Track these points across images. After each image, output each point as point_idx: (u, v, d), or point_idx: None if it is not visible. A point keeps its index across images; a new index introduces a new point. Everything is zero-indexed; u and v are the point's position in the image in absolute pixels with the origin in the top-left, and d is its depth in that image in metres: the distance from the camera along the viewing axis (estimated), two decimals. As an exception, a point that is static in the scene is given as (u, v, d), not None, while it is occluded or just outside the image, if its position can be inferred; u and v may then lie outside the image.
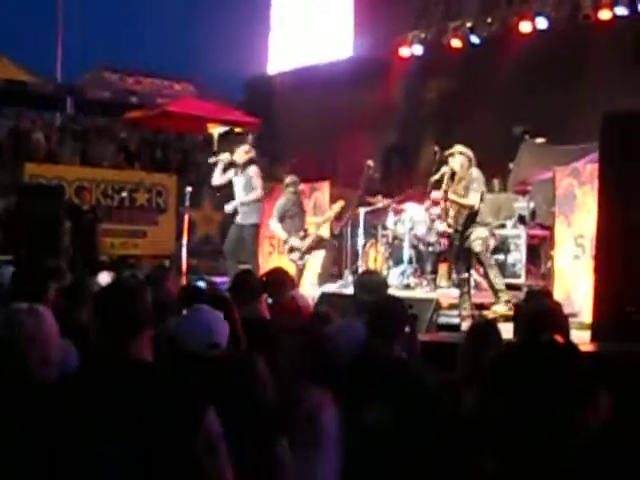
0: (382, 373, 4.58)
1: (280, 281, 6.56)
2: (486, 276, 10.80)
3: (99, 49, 34.28)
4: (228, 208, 12.95)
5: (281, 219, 12.93)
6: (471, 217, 10.52)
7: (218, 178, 12.94)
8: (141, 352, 3.30)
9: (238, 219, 12.89)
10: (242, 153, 12.87)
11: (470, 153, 10.77)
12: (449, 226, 10.84)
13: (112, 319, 3.31)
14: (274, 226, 13.02)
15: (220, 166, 12.85)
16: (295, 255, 12.82)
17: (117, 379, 3.18)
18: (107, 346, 3.28)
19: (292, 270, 12.23)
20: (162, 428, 3.11)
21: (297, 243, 12.76)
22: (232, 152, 13.03)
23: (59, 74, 26.78)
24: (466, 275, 10.82)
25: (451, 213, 10.82)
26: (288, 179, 13.20)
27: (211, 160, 13.06)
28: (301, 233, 12.87)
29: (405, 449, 4.37)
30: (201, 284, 9.20)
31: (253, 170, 12.82)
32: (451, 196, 10.46)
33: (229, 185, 13.03)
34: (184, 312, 4.82)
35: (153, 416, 3.12)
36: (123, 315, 3.30)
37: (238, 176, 12.81)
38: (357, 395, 4.46)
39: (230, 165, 12.85)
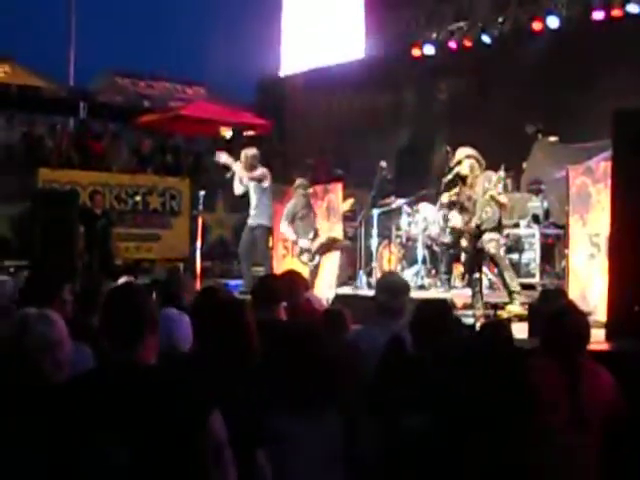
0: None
1: (294, 283, 6.58)
2: (501, 277, 10.80)
3: (111, 53, 34.32)
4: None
5: (292, 221, 12.95)
6: (499, 219, 10.65)
7: (238, 187, 13.03)
8: (147, 355, 3.31)
9: (249, 221, 12.95)
10: (244, 157, 12.94)
11: (477, 154, 10.80)
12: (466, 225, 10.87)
13: (118, 322, 3.32)
14: (284, 228, 13.05)
15: (236, 177, 12.95)
16: (305, 256, 12.84)
17: (124, 382, 3.19)
18: (114, 349, 3.29)
19: (305, 272, 12.27)
20: (169, 431, 3.12)
21: (306, 244, 12.77)
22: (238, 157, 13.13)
23: (71, 79, 26.83)
24: (477, 275, 10.84)
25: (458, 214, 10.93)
26: (298, 181, 13.24)
27: (228, 175, 13.10)
28: (311, 234, 12.89)
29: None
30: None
31: (260, 172, 12.92)
32: (502, 198, 10.50)
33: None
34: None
35: (161, 419, 3.12)
36: (129, 318, 3.31)
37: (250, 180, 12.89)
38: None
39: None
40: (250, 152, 13.08)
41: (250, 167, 12.88)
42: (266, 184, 12.92)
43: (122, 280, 7.80)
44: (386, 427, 4.46)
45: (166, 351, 4.20)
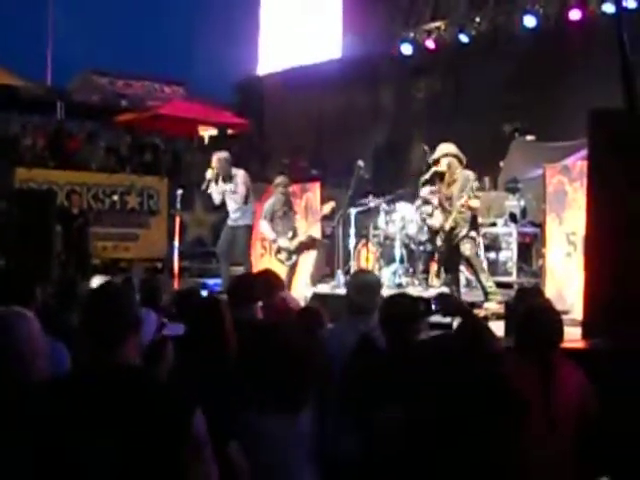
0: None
1: (269, 283, 6.59)
2: (477, 278, 10.87)
3: (89, 53, 34.19)
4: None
5: (271, 219, 12.93)
6: (474, 219, 10.70)
7: (216, 197, 12.97)
8: (129, 356, 3.30)
9: (230, 221, 12.91)
10: (216, 162, 12.87)
11: (456, 151, 10.83)
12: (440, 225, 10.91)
13: (99, 323, 3.31)
14: (264, 227, 13.02)
15: (212, 185, 12.89)
16: (283, 255, 12.82)
17: (106, 383, 3.18)
18: (95, 350, 3.28)
19: (282, 271, 12.27)
20: (151, 431, 3.12)
21: (285, 243, 12.76)
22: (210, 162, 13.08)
23: (49, 78, 26.74)
24: (454, 274, 10.94)
25: (438, 213, 10.97)
26: (278, 179, 13.20)
27: (203, 187, 13.06)
28: (290, 233, 12.87)
29: None
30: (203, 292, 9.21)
31: (240, 177, 12.86)
32: (473, 203, 10.51)
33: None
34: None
35: (143, 419, 3.13)
36: (113, 318, 3.30)
37: (226, 183, 12.84)
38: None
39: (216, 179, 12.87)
40: (222, 156, 13.00)
41: (225, 171, 12.82)
42: (242, 189, 12.85)
43: (96, 280, 7.76)
44: (359, 425, 4.46)
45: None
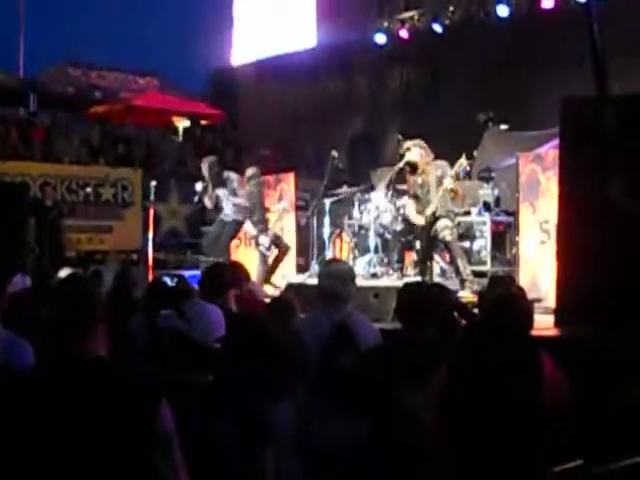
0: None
1: (236, 274, 6.61)
2: (454, 265, 10.93)
3: (62, 44, 33.92)
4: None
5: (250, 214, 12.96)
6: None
7: (209, 203, 12.95)
8: (96, 348, 3.27)
9: (224, 217, 12.85)
10: (208, 170, 12.85)
11: (424, 145, 10.98)
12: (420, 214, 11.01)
13: (68, 313, 3.28)
14: (247, 226, 13.06)
15: (205, 197, 12.89)
16: (262, 247, 12.90)
17: (72, 376, 3.15)
18: (62, 342, 3.25)
19: (255, 262, 12.36)
20: (117, 423, 3.10)
21: (266, 241, 12.82)
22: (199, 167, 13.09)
23: (21, 70, 26.54)
24: (428, 264, 11.03)
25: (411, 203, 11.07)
26: (249, 171, 13.16)
27: (196, 200, 13.07)
28: (261, 226, 12.90)
29: None
30: (167, 279, 9.19)
31: (236, 181, 12.83)
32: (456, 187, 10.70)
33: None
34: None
35: (109, 411, 3.10)
36: (76, 311, 3.27)
37: (219, 188, 12.79)
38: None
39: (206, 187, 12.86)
40: (210, 161, 12.99)
41: (216, 176, 12.79)
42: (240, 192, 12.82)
43: (63, 272, 7.74)
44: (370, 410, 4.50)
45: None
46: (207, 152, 13.87)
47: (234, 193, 12.72)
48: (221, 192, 12.82)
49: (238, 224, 12.99)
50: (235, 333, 4.63)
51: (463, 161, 11.17)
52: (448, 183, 10.61)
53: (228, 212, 12.84)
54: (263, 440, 4.03)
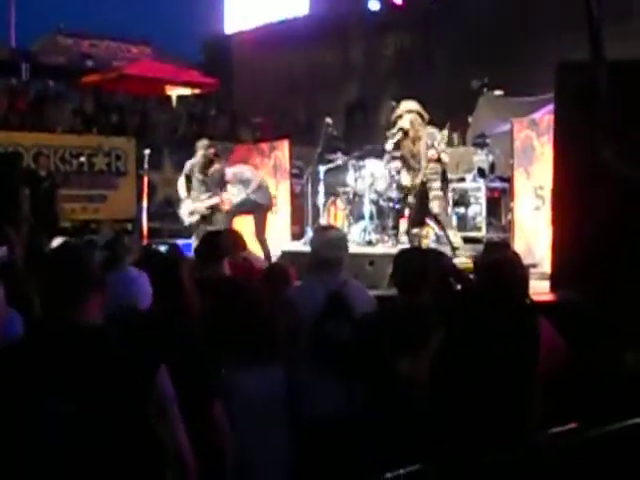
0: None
1: (232, 242, 6.61)
2: (445, 234, 10.98)
3: (54, 13, 33.78)
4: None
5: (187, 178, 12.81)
6: (443, 174, 10.84)
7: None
8: (90, 315, 3.25)
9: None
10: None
11: (419, 108, 10.90)
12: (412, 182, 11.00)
13: (60, 281, 3.26)
14: (179, 183, 12.90)
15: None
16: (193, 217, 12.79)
17: (67, 343, 3.14)
18: (55, 310, 3.23)
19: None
20: (115, 390, 3.09)
21: (190, 206, 12.67)
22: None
23: (13, 39, 26.42)
24: (417, 230, 11.07)
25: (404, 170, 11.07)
26: (199, 142, 12.80)
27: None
28: (203, 197, 12.70)
29: None
30: (162, 247, 9.23)
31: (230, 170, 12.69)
32: (444, 157, 10.70)
33: None
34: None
35: (106, 378, 3.09)
36: (71, 276, 3.25)
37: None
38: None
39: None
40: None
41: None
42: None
43: (56, 241, 7.73)
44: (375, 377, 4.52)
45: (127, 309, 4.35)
46: (201, 120, 13.78)
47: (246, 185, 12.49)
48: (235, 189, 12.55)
49: (256, 205, 12.61)
50: (216, 298, 4.69)
51: (445, 132, 11.13)
52: (431, 154, 10.64)
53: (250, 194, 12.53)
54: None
